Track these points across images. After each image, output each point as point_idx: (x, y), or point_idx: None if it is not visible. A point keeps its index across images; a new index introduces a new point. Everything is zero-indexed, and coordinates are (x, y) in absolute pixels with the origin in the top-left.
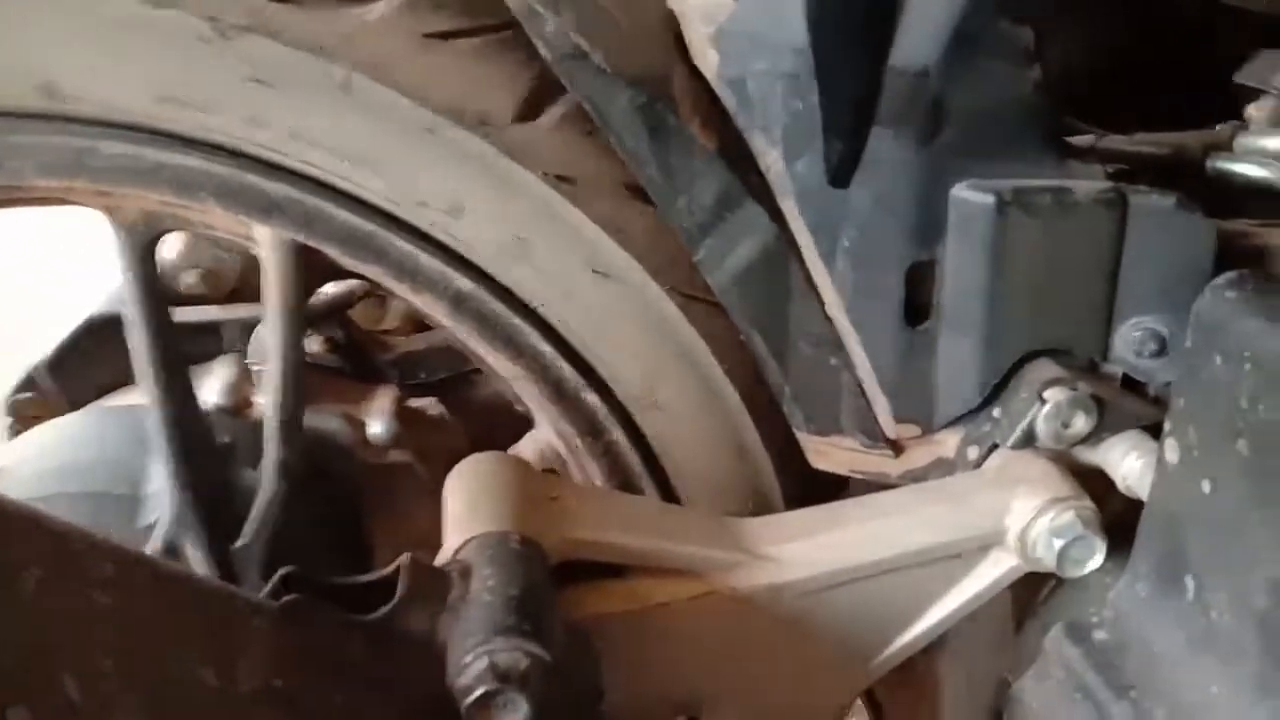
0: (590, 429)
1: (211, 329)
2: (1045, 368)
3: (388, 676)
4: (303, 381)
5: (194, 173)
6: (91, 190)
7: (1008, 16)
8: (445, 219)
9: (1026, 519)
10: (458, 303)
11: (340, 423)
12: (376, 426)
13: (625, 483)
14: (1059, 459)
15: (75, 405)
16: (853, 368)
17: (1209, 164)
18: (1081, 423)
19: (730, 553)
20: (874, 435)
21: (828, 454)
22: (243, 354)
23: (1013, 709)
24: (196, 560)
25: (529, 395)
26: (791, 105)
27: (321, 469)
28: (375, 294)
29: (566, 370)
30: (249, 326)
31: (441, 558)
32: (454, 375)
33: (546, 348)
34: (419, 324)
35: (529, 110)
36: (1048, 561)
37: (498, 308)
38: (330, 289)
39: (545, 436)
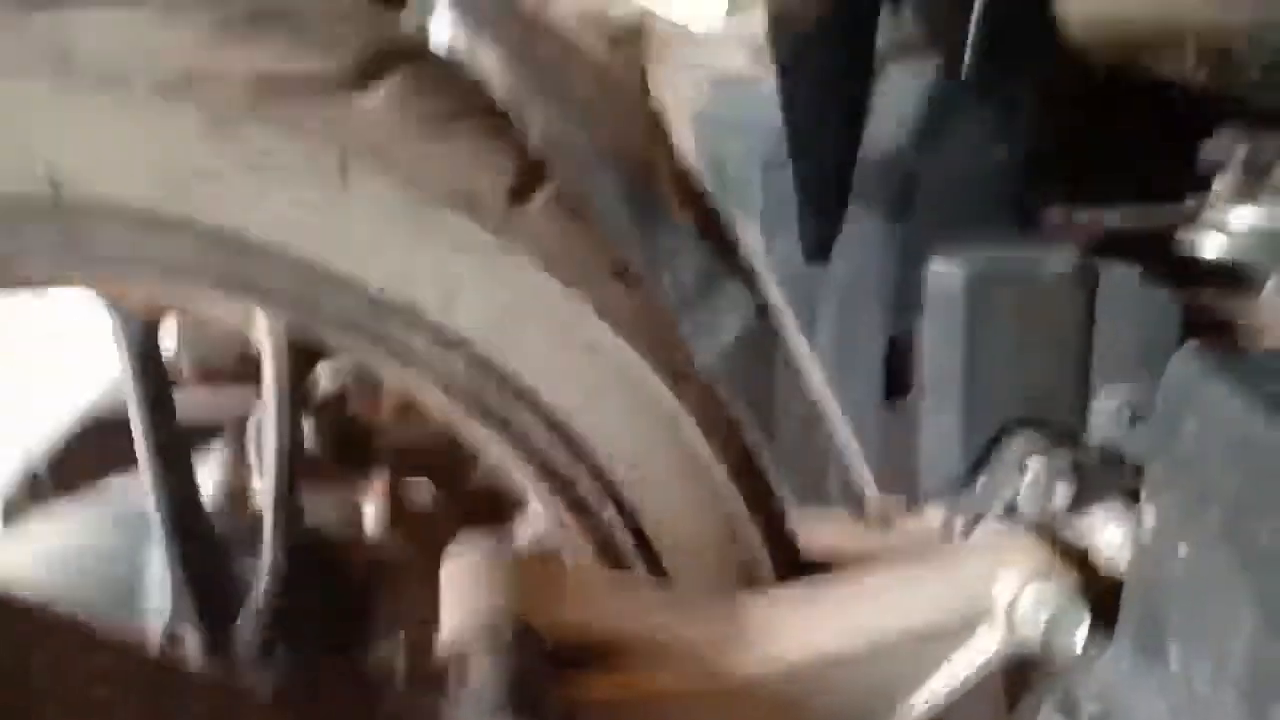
0: (581, 507)
1: (208, 416)
2: (1025, 439)
3: None
4: (299, 467)
5: (193, 259)
6: (90, 277)
7: (976, 97)
8: (438, 301)
9: (1012, 593)
10: (450, 385)
11: (336, 509)
12: (372, 512)
13: (616, 561)
14: (1043, 530)
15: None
16: (838, 441)
17: (1177, 237)
18: (1063, 493)
19: (723, 637)
20: (861, 509)
21: (817, 529)
22: (240, 440)
23: None
24: (195, 646)
25: (521, 475)
26: (768, 185)
27: (318, 554)
28: (370, 380)
29: (558, 449)
30: (245, 413)
31: (439, 643)
32: (448, 459)
33: (538, 428)
34: (413, 409)
35: (519, 194)
36: (1034, 635)
37: (490, 389)
38: (325, 376)
39: (538, 516)
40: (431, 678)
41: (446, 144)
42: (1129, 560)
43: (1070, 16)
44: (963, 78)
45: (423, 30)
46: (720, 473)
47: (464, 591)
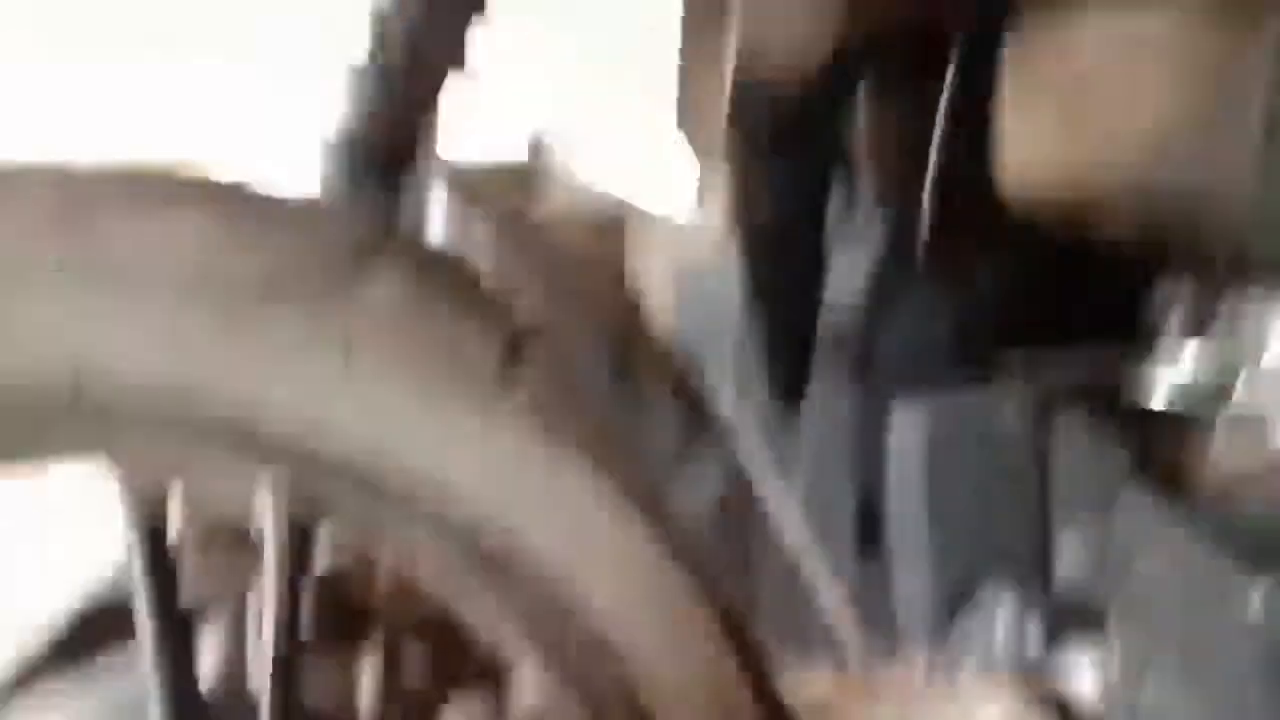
0: (574, 674)
1: (207, 593)
2: (995, 584)
3: None
4: (299, 646)
5: (202, 443)
6: (105, 464)
7: (926, 256)
8: (433, 468)
9: None
10: (445, 551)
11: (331, 683)
12: (369, 687)
13: None
14: (1020, 675)
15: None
16: (819, 592)
17: (1127, 382)
18: (1035, 636)
19: None
20: (844, 662)
21: (802, 681)
22: (238, 617)
23: None
24: None
25: (514, 641)
26: (738, 352)
27: None
28: (366, 550)
29: (550, 614)
30: (243, 591)
31: None
32: (444, 628)
33: (531, 592)
34: (409, 578)
35: (509, 368)
36: None
37: (483, 553)
38: (323, 553)
39: (532, 684)
40: None
41: (440, 323)
42: (1101, 701)
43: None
44: (917, 252)
45: (421, 224)
46: (710, 630)
47: None
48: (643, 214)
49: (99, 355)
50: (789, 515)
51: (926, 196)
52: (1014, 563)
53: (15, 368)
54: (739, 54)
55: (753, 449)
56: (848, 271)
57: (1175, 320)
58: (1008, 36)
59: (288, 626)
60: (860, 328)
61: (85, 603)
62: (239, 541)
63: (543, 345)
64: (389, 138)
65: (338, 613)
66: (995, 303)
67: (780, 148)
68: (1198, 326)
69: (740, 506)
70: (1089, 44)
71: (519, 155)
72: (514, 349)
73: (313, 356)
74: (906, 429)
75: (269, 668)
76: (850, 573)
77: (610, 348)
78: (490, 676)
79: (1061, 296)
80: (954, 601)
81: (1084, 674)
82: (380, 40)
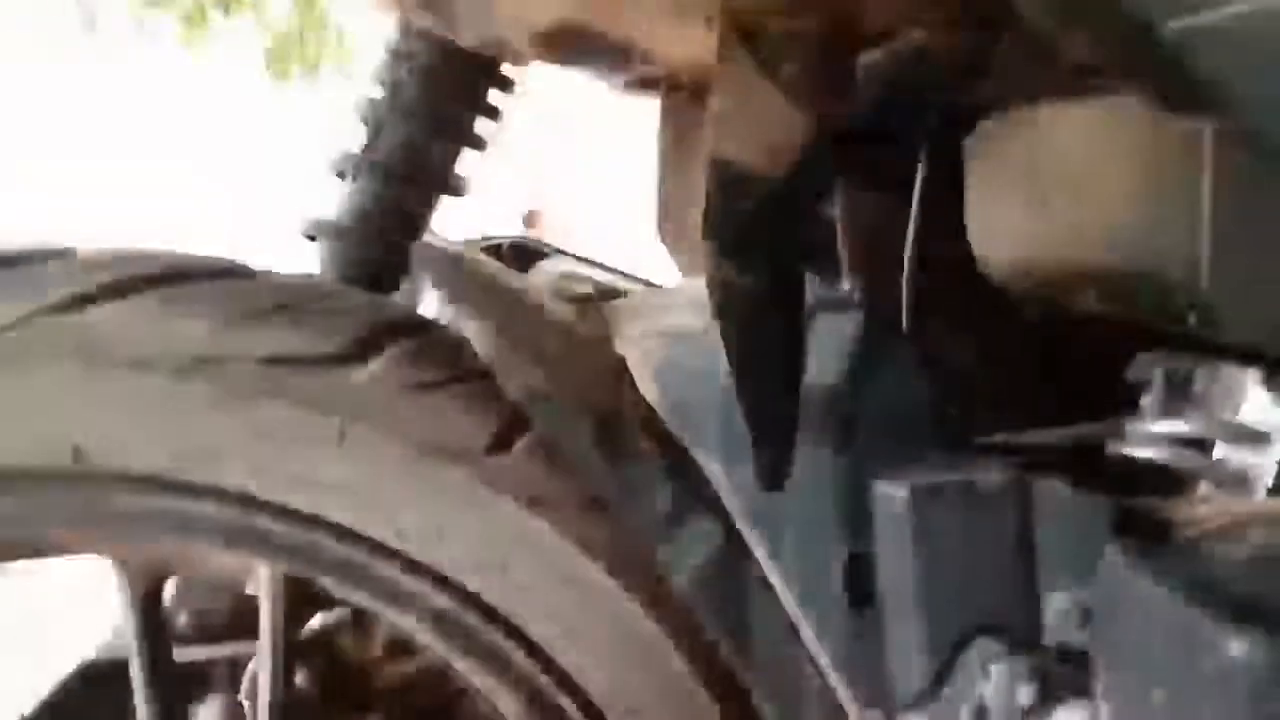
0: None
1: (202, 669)
2: (986, 645)
3: None
4: (292, 716)
5: (200, 518)
6: (104, 540)
7: (903, 336)
8: (428, 544)
9: None
10: (440, 622)
11: None
12: None
13: None
14: None
15: None
16: (813, 658)
17: (1108, 450)
18: (1026, 695)
19: None
20: None
21: None
22: (232, 693)
23: None
24: None
25: (509, 708)
26: (725, 423)
27: None
28: (361, 623)
29: (543, 680)
30: (237, 665)
31: None
32: (440, 695)
33: (524, 659)
34: (405, 651)
35: (501, 443)
36: None
37: (478, 623)
38: (317, 621)
39: None
40: None
41: (434, 404)
42: None
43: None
44: (900, 327)
45: (415, 302)
46: (703, 697)
47: None
48: (630, 282)
49: (98, 432)
50: (780, 579)
51: (905, 276)
52: (1003, 622)
53: (18, 446)
54: (714, 154)
55: (742, 512)
56: (830, 349)
57: (1154, 389)
58: (976, 125)
59: (283, 702)
60: (841, 402)
61: (81, 664)
62: (234, 601)
63: (533, 424)
64: (384, 220)
65: (333, 676)
66: (974, 377)
67: (757, 238)
68: (1173, 394)
69: (732, 569)
70: (1052, 132)
71: (511, 230)
72: (505, 430)
73: (307, 435)
74: (891, 499)
75: None
76: (841, 637)
77: (597, 417)
78: None
79: (1039, 371)
80: (944, 663)
81: None
82: (375, 128)
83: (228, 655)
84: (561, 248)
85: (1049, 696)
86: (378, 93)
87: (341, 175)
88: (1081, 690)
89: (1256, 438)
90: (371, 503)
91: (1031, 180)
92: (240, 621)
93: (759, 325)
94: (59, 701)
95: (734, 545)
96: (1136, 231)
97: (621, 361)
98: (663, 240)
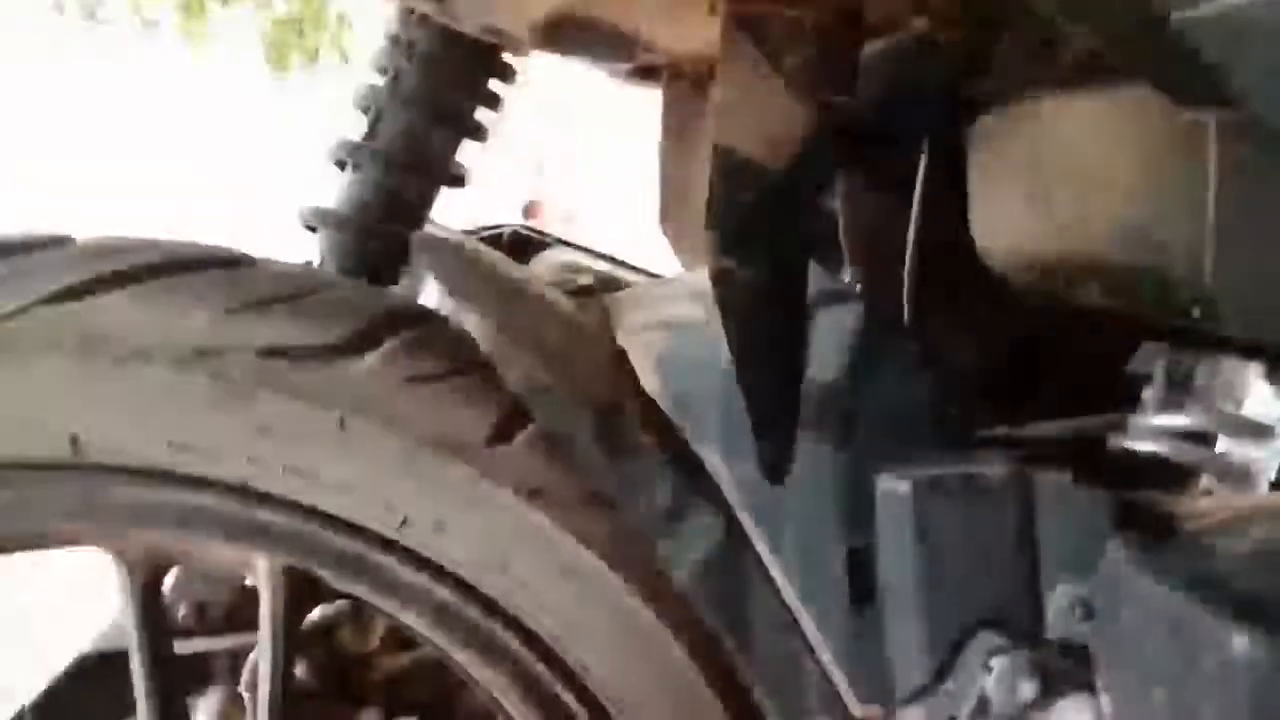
0: None
1: (202, 660)
2: (987, 639)
3: None
4: (292, 707)
5: (200, 511)
6: (103, 532)
7: (904, 330)
8: (428, 536)
9: None
10: (440, 614)
11: None
12: None
13: None
14: None
15: None
16: (814, 652)
17: (1110, 443)
18: (1028, 689)
19: None
20: (843, 718)
21: None
22: (232, 684)
23: None
24: None
25: (509, 701)
26: (727, 416)
27: None
28: (360, 615)
29: (543, 673)
30: (237, 656)
31: None
32: (439, 688)
33: (524, 652)
34: (403, 643)
35: (502, 435)
36: None
37: (478, 616)
38: (317, 613)
39: None
40: None
41: (434, 396)
42: None
43: (986, 255)
44: (901, 320)
45: (416, 293)
46: (705, 690)
47: None
48: (632, 273)
49: (96, 423)
50: (780, 573)
51: (906, 269)
52: (1004, 616)
53: (16, 437)
54: (716, 145)
55: (743, 505)
56: (832, 341)
57: (1156, 382)
58: (978, 118)
59: (282, 693)
60: (841, 396)
61: (80, 656)
62: (234, 593)
63: (533, 416)
64: (384, 210)
65: (332, 668)
66: (975, 371)
67: (759, 230)
68: (1175, 388)
69: (733, 562)
70: (1054, 125)
71: (512, 220)
72: (506, 422)
73: (307, 427)
74: (893, 493)
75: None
76: (842, 630)
77: (598, 409)
78: None
79: (1041, 364)
80: (946, 657)
81: None
82: (375, 117)
83: (228, 647)
84: (562, 238)
85: (1050, 691)
86: (378, 81)
87: (341, 165)
88: (1083, 685)
89: (1259, 431)
90: (371, 495)
91: (1034, 173)
92: (240, 614)
93: (760, 317)
94: (59, 693)
95: (735, 539)
96: (1139, 225)
97: (622, 353)
98: (665, 231)
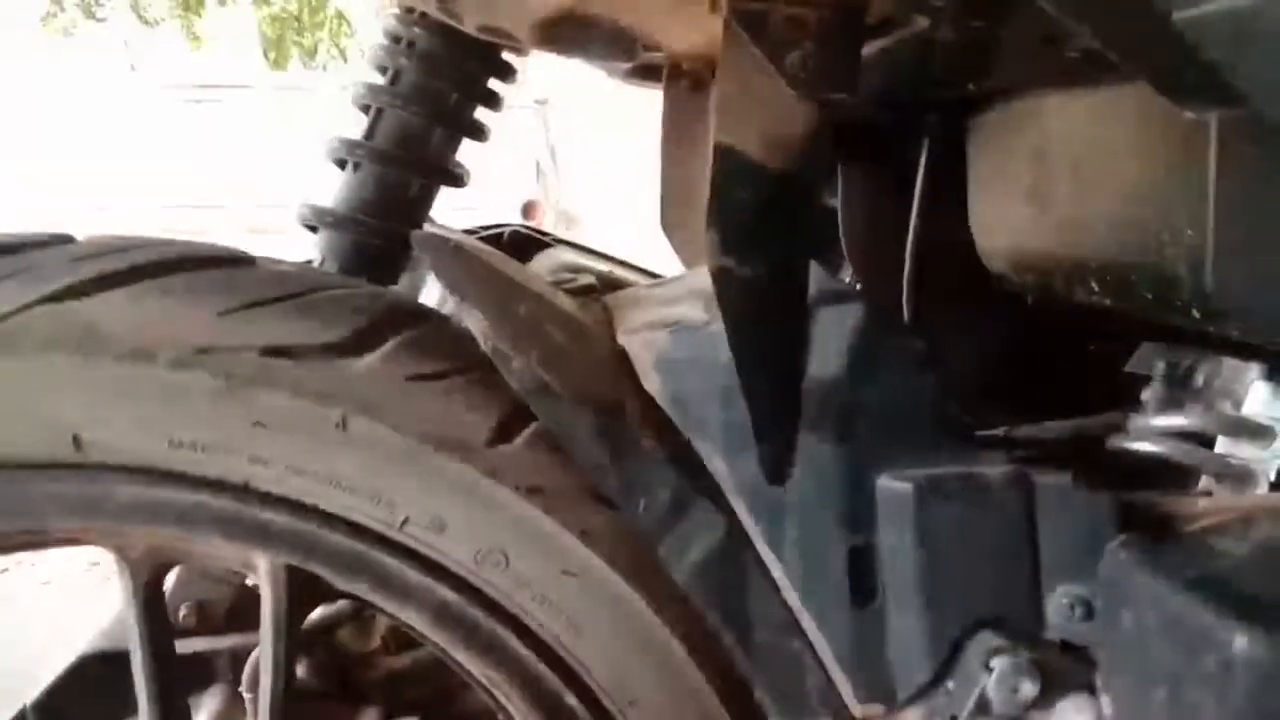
0: None
1: (202, 660)
2: (988, 639)
3: None
4: (292, 707)
5: (200, 509)
6: (104, 530)
7: (904, 328)
8: (429, 535)
9: None
10: (441, 613)
11: None
12: None
13: None
14: None
15: None
16: (814, 651)
17: (1109, 443)
18: (1028, 688)
19: None
20: (843, 717)
21: None
22: (233, 684)
23: None
24: None
25: (510, 700)
26: (727, 415)
27: None
28: (360, 614)
29: (545, 672)
30: (238, 656)
31: None
32: (439, 687)
33: (525, 651)
34: (403, 642)
35: (503, 434)
36: None
37: (478, 615)
38: (318, 613)
39: None
40: None
41: (435, 395)
42: None
43: (985, 253)
44: (901, 319)
45: (417, 292)
46: (706, 690)
47: None
48: (633, 272)
49: (95, 422)
50: (781, 572)
51: (907, 266)
52: (1005, 616)
53: (18, 436)
54: (717, 143)
55: (744, 504)
56: (825, 342)
57: (1155, 382)
58: (977, 114)
59: (283, 691)
60: (842, 396)
61: (82, 655)
62: (235, 592)
63: (534, 415)
64: (384, 209)
65: (332, 668)
66: (976, 369)
67: (760, 229)
68: (1175, 388)
69: (734, 561)
70: (1055, 123)
71: (510, 220)
72: (506, 421)
73: (308, 426)
74: (894, 493)
75: (266, 718)
76: (843, 629)
77: (599, 408)
78: None
79: (1040, 363)
80: (946, 657)
81: None
82: (375, 116)
83: (229, 647)
84: (562, 238)
85: (1051, 690)
86: (377, 79)
87: (341, 163)
88: (1083, 684)
89: (1259, 432)
90: (372, 494)
91: (1034, 172)
92: (241, 613)
93: (760, 317)
94: (59, 693)
95: (735, 539)
96: (1140, 223)
97: (623, 353)
98: (666, 231)
